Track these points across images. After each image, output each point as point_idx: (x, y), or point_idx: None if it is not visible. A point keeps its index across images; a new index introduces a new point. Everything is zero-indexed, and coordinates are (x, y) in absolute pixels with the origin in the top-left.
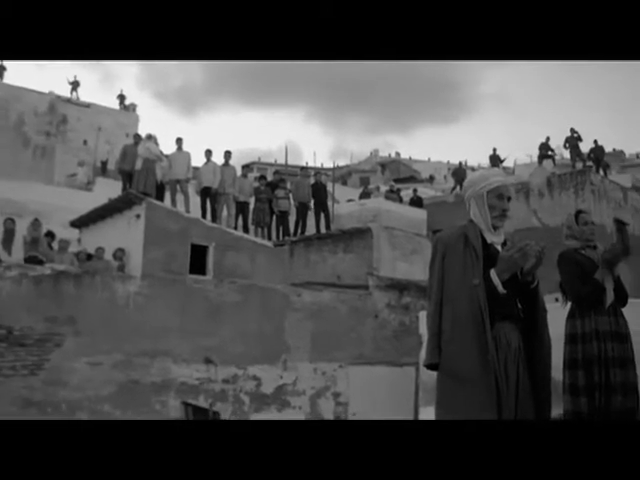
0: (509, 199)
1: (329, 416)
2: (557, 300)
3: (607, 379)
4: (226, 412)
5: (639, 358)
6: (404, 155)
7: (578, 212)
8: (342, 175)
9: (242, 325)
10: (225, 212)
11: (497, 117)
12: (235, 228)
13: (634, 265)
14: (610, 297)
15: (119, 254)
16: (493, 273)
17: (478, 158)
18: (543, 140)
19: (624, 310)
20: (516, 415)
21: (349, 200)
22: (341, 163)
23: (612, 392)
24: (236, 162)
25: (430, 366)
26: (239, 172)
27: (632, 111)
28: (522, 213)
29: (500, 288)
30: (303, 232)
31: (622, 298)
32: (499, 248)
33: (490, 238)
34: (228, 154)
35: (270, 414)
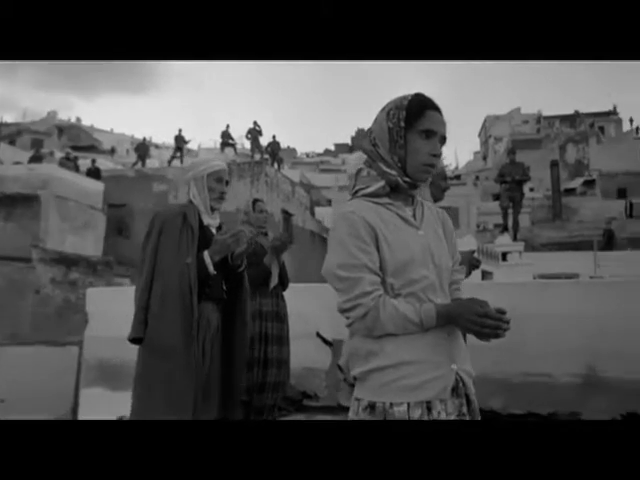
0: (227, 183)
1: None
2: None
3: (265, 354)
4: None
5: (292, 336)
6: (86, 122)
7: (255, 200)
8: (10, 133)
9: None
10: None
11: (187, 98)
12: None
13: (295, 253)
14: (274, 281)
15: None
16: (206, 254)
17: (163, 137)
18: (225, 128)
19: (284, 293)
20: (205, 390)
21: (16, 162)
22: (10, 119)
23: (269, 366)
24: None
25: (134, 340)
26: None
27: (313, 112)
28: None
29: (211, 269)
30: None
31: (284, 282)
32: (214, 231)
33: (207, 220)
34: None
35: None
